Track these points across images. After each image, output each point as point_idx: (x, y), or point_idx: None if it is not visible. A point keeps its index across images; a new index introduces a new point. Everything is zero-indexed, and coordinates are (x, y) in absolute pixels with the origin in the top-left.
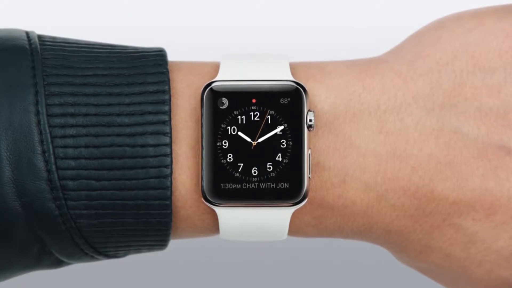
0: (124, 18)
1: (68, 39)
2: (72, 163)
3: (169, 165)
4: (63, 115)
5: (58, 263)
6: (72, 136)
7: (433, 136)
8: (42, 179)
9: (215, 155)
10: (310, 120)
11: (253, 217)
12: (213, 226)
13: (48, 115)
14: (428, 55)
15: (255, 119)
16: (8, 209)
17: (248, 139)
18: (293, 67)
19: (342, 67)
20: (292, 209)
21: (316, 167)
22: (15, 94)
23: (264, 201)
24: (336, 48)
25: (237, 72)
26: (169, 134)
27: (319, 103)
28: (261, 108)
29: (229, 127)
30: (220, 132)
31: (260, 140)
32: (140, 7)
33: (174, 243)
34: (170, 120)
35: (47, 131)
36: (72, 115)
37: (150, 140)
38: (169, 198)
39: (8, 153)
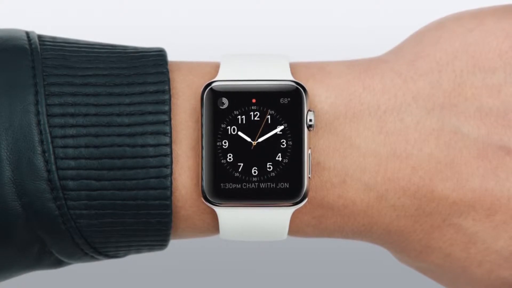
0: (124, 18)
1: (68, 39)
2: (72, 163)
3: (169, 165)
4: (63, 115)
5: (58, 263)
6: (72, 136)
7: (433, 136)
8: (42, 179)
9: (215, 155)
10: (310, 120)
11: (253, 217)
12: (213, 226)
13: (48, 115)
14: (428, 55)
15: (255, 119)
16: (8, 209)
17: (248, 139)
18: (293, 67)
19: (342, 67)
20: (292, 209)
21: (316, 167)
22: (15, 94)
23: (264, 201)
24: (336, 48)
25: (237, 72)
26: (169, 134)
27: (319, 103)
28: (261, 108)
29: (229, 127)
30: (220, 132)
31: (260, 140)
32: (140, 7)
33: (174, 243)
34: (170, 120)
35: (47, 131)
36: (72, 115)
37: (150, 140)
38: (169, 198)
39: (8, 153)
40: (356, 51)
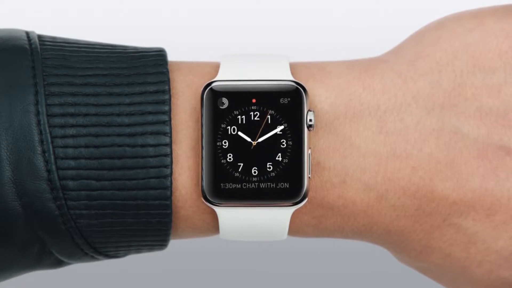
0: (124, 18)
1: (68, 39)
2: (72, 163)
3: (169, 165)
4: (63, 115)
5: (58, 263)
6: (72, 136)
7: (433, 136)
8: (42, 179)
9: (215, 155)
10: (310, 120)
11: (253, 217)
12: (213, 226)
13: (48, 115)
14: (428, 55)
15: (255, 119)
16: (8, 209)
17: (248, 139)
18: (293, 67)
19: (342, 67)
20: (292, 209)
21: (316, 167)
22: (15, 94)
23: (264, 201)
24: (336, 48)
25: (237, 72)
26: (169, 134)
27: (319, 103)
28: (261, 108)
29: (229, 127)
30: (220, 132)
31: (260, 140)
32: (140, 7)
33: (174, 243)
34: (170, 120)
35: (47, 131)
36: (72, 115)
37: (150, 140)
38: (169, 198)
39: (8, 153)
40: (356, 51)
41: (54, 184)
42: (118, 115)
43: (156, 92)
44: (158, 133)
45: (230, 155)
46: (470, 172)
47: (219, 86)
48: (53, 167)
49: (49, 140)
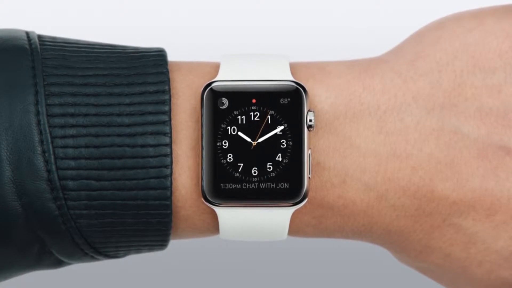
0: (124, 18)
1: (68, 39)
2: (72, 163)
3: (169, 165)
4: (63, 115)
5: (58, 263)
6: (72, 136)
7: (433, 136)
8: (42, 179)
9: (215, 155)
10: (310, 120)
11: (253, 217)
12: (213, 226)
13: (48, 115)
14: (428, 55)
15: (255, 119)
16: (8, 209)
17: (248, 139)
18: (293, 67)
19: (342, 67)
20: (292, 209)
21: (316, 167)
22: (15, 94)
23: (264, 201)
24: (336, 48)
25: (237, 72)
26: (169, 134)
27: (319, 103)
28: (261, 108)
29: (229, 127)
30: (220, 132)
31: (260, 140)
32: (140, 7)
33: (174, 243)
34: (170, 120)
35: (47, 131)
36: (72, 115)
37: (150, 140)
38: (169, 198)
39: (8, 153)
40: (356, 51)
41: (54, 184)
42: (118, 115)
43: (156, 92)
44: (158, 133)
45: (230, 155)
46: (470, 172)
47: (219, 86)
48: (53, 167)
49: (49, 140)
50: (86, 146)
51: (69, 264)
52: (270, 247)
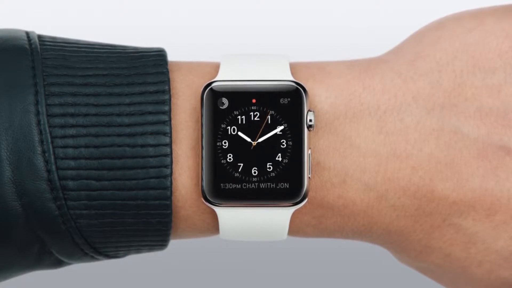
0: (124, 18)
1: (68, 39)
2: (72, 163)
3: (169, 165)
4: (63, 115)
5: (58, 263)
6: (72, 136)
7: (433, 136)
8: (42, 179)
9: (215, 155)
10: (310, 120)
11: (253, 217)
12: (213, 226)
13: (48, 115)
14: (428, 55)
15: (255, 119)
16: (8, 209)
17: (248, 139)
18: (293, 67)
19: (342, 67)
20: (292, 209)
21: (316, 167)
22: (15, 94)
23: (264, 201)
24: (336, 48)
25: (237, 72)
26: (169, 134)
27: (319, 103)
28: (261, 108)
29: (229, 127)
30: (220, 132)
31: (260, 140)
32: (140, 7)
33: (174, 243)
34: (170, 120)
35: (47, 131)
36: (72, 115)
37: (150, 140)
38: (169, 198)
39: (8, 153)
40: (356, 51)
41: (54, 184)
42: (118, 115)
43: (156, 92)
44: (158, 133)
45: (230, 155)
46: (470, 172)
47: (219, 86)
48: (53, 167)
49: (49, 140)
50: (86, 146)
51: (69, 264)
52: (270, 247)
